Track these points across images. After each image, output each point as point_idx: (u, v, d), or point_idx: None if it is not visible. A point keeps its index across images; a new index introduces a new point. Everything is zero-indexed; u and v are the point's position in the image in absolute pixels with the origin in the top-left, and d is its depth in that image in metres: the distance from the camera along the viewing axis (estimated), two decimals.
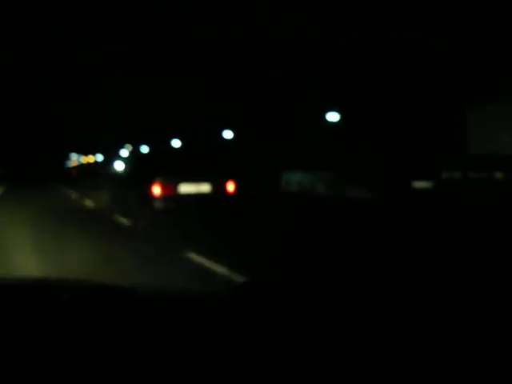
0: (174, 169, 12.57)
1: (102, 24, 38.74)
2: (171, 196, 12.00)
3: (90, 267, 6.71)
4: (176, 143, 42.49)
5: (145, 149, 48.38)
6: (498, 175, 16.71)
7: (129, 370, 1.08)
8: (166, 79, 38.94)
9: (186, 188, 12.10)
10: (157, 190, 12.03)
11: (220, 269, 6.75)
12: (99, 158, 68.75)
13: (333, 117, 24.80)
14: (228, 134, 35.20)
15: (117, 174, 19.47)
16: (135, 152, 49.20)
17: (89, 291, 1.76)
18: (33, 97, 55.27)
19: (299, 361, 1.14)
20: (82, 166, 70.31)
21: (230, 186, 12.27)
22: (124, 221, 12.29)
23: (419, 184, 17.76)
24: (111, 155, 56.68)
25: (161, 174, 12.21)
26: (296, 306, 1.72)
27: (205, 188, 12.12)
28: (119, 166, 20.05)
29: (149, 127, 45.66)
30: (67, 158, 74.98)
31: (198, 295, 1.92)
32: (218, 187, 12.13)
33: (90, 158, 72.91)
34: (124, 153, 53.68)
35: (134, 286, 1.88)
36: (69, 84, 50.10)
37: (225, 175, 12.52)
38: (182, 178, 12.14)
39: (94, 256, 7.75)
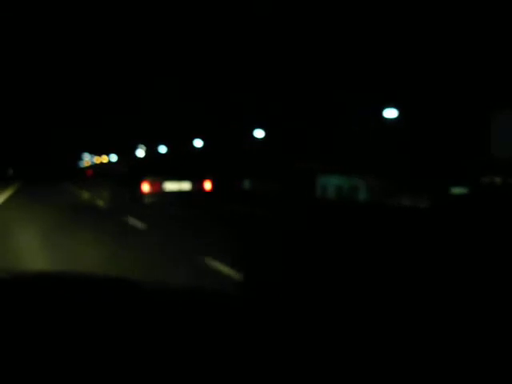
0: (161, 169, 14.52)
1: (105, 27, 39.90)
2: (157, 192, 13.90)
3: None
4: (198, 143, 41.83)
5: (163, 149, 49.21)
6: None
7: (131, 365, 1.09)
8: (180, 79, 39.02)
9: (170, 186, 13.99)
10: (145, 187, 13.93)
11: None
12: (113, 158, 69.98)
13: (391, 113, 22.53)
14: (259, 133, 33.27)
15: (119, 174, 21.46)
16: (151, 152, 49.98)
17: (92, 285, 1.80)
18: (43, 97, 56.34)
19: (301, 360, 1.14)
20: (94, 166, 70.99)
21: (207, 185, 14.15)
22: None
23: (456, 190, 16.63)
24: (125, 155, 57.59)
25: (149, 173, 14.13)
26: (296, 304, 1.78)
27: (186, 186, 14.02)
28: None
29: (169, 127, 45.04)
30: (80, 157, 76.08)
31: (200, 292, 1.93)
32: (197, 185, 14.01)
33: (104, 158, 74.01)
34: (139, 153, 54.84)
35: (138, 280, 1.96)
36: (81, 84, 51.27)
37: (204, 175, 14.41)
38: (167, 177, 14.05)
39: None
